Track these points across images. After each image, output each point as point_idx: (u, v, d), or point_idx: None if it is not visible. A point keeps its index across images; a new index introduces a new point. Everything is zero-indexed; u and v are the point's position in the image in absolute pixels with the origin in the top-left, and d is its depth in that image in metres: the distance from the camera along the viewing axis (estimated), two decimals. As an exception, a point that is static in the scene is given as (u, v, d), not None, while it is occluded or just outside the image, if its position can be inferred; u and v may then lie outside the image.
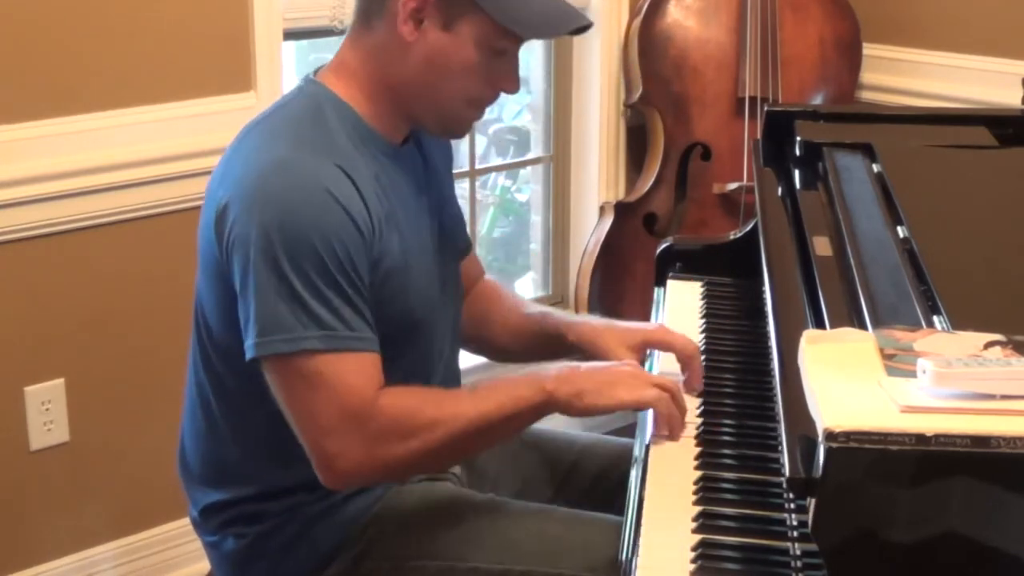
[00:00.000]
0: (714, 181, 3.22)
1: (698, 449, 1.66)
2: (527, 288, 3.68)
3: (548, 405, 1.67)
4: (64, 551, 2.64)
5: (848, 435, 1.12)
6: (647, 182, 3.25)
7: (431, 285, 1.79)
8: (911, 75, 3.28)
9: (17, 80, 2.40)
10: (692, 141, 3.21)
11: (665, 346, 1.88)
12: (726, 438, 1.71)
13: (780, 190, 2.02)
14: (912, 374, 1.19)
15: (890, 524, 1.15)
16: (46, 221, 2.47)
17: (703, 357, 1.95)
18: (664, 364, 1.93)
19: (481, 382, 1.73)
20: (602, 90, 3.33)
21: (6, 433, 2.52)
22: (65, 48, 2.45)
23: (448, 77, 1.69)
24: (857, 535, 1.16)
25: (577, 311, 3.38)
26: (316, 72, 1.77)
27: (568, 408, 1.66)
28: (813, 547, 1.23)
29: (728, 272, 2.21)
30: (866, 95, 3.36)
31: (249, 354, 1.61)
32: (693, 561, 1.41)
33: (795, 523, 1.46)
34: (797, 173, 2.02)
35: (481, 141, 3.65)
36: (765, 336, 1.70)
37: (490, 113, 1.83)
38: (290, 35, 2.82)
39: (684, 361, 1.85)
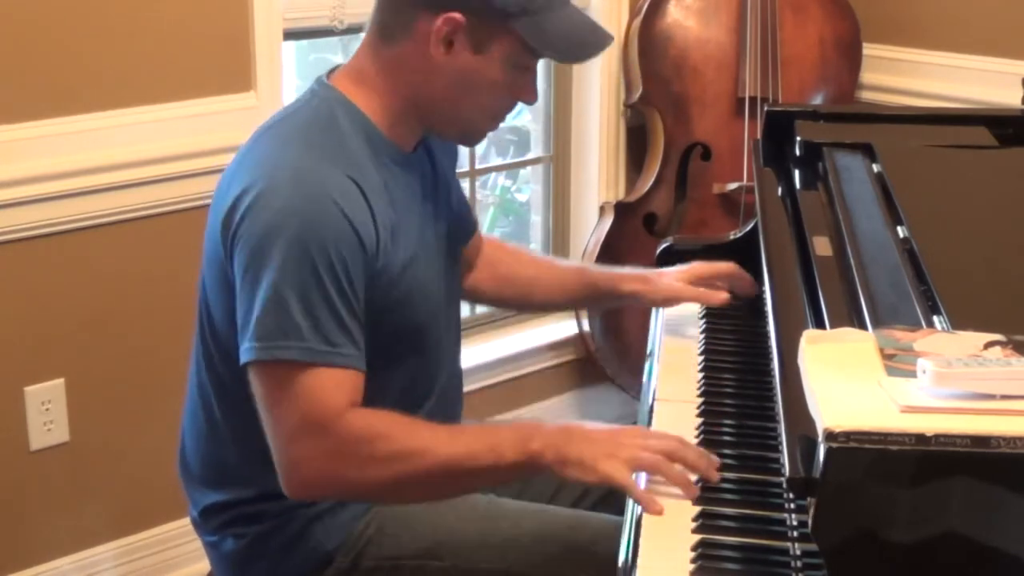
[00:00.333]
0: (714, 181, 3.22)
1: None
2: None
3: (529, 466, 1.59)
4: (64, 551, 2.64)
5: (848, 435, 1.12)
6: (647, 182, 3.25)
7: (436, 291, 1.79)
8: (911, 75, 3.28)
9: (17, 80, 2.40)
10: (692, 141, 3.21)
11: (711, 275, 2.05)
12: (726, 438, 1.71)
13: (780, 190, 2.02)
14: (912, 374, 1.20)
15: (890, 524, 1.15)
16: (46, 221, 2.47)
17: (702, 357, 1.96)
18: (667, 358, 1.93)
19: (470, 424, 1.71)
20: (602, 90, 3.33)
21: (6, 433, 2.52)
22: (65, 48, 2.45)
23: (475, 95, 1.70)
24: (857, 535, 1.16)
25: (577, 311, 3.39)
26: (329, 75, 1.76)
27: (553, 472, 1.59)
28: (813, 547, 1.23)
29: (728, 272, 2.21)
30: (866, 95, 3.36)
31: (243, 358, 1.61)
32: (693, 561, 1.42)
33: (795, 523, 1.46)
34: (797, 173, 2.02)
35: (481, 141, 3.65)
36: (765, 336, 1.70)
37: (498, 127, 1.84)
38: (290, 35, 2.82)
39: (732, 282, 2.03)
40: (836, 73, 3.28)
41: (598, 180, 3.39)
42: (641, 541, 1.46)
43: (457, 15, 1.63)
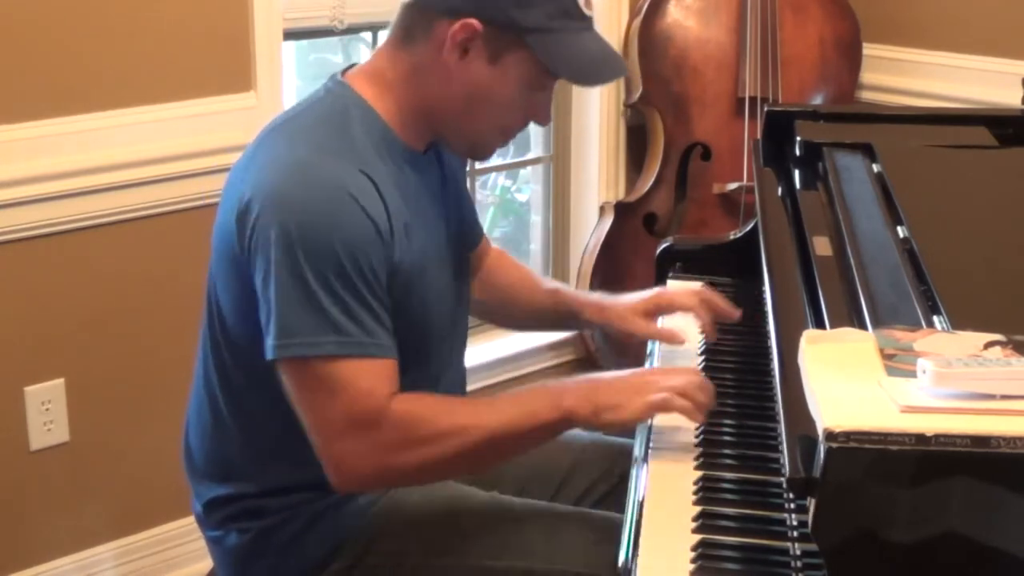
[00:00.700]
0: (714, 181, 3.22)
1: (698, 449, 1.66)
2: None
3: (565, 422, 1.67)
4: (64, 551, 2.64)
5: (848, 435, 1.12)
6: (647, 182, 3.25)
7: (446, 292, 1.79)
8: (911, 75, 3.28)
9: (17, 80, 2.40)
10: (692, 141, 3.21)
11: (671, 307, 2.00)
12: (726, 438, 1.71)
13: (780, 190, 2.02)
14: (912, 374, 1.20)
15: (890, 524, 1.15)
16: (46, 221, 2.47)
17: (702, 357, 1.96)
18: (667, 359, 1.93)
19: (500, 394, 1.73)
20: (602, 90, 3.33)
21: (6, 433, 2.52)
22: (65, 48, 2.45)
23: (486, 108, 1.70)
24: (857, 535, 1.16)
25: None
26: (344, 73, 1.77)
27: (590, 424, 1.67)
28: (813, 547, 1.23)
29: (728, 272, 2.21)
30: (866, 95, 3.36)
31: (268, 355, 1.61)
32: (693, 561, 1.42)
33: (795, 523, 1.46)
34: (797, 173, 2.02)
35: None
36: (765, 336, 1.70)
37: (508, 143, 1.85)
38: (290, 35, 2.82)
39: (700, 311, 1.96)
40: (836, 73, 3.29)
41: (598, 180, 3.39)
42: (641, 541, 1.46)
43: (475, 22, 1.63)
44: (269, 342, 1.61)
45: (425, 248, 1.72)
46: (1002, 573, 1.16)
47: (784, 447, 1.30)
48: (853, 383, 1.20)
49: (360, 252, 1.59)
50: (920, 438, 1.11)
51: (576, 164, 3.45)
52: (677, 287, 2.11)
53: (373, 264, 1.61)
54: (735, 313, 1.97)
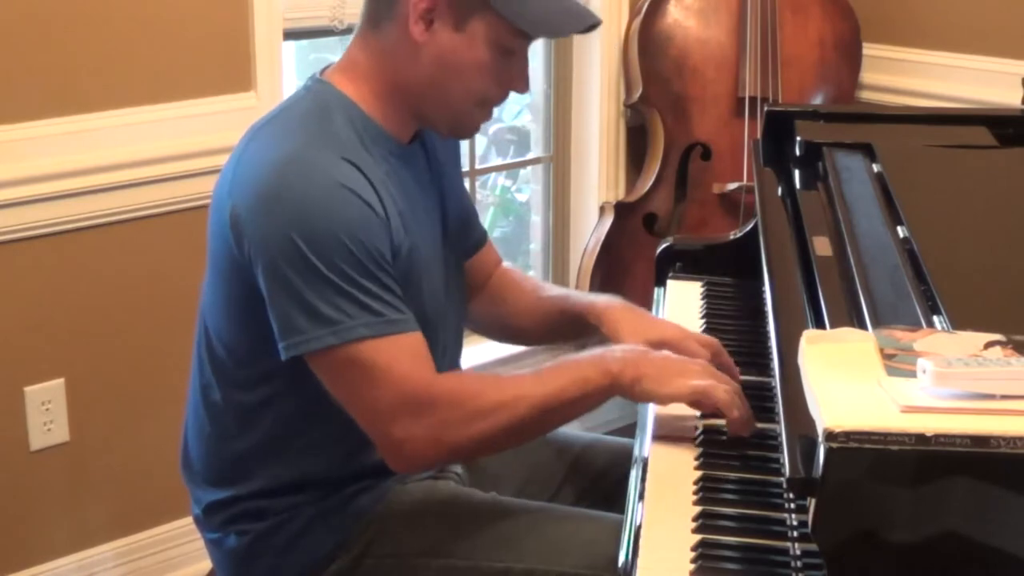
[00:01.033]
0: (714, 181, 3.22)
1: (698, 449, 1.66)
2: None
3: (613, 388, 1.67)
4: (64, 551, 2.64)
5: (848, 435, 1.12)
6: (647, 182, 3.25)
7: (438, 284, 1.79)
8: (911, 75, 3.28)
9: (17, 80, 2.40)
10: (692, 141, 3.21)
11: (678, 350, 1.80)
12: (726, 438, 1.71)
13: (780, 190, 2.02)
14: (912, 374, 1.19)
15: (890, 524, 1.15)
16: (46, 221, 2.47)
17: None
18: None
19: (545, 364, 1.73)
20: (602, 90, 3.33)
21: (6, 433, 2.52)
22: (65, 48, 2.45)
23: (459, 77, 1.69)
24: (857, 535, 1.16)
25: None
26: (323, 72, 1.77)
27: (628, 392, 1.67)
28: (813, 547, 1.23)
29: (728, 272, 2.21)
30: (866, 95, 3.36)
31: (292, 352, 1.60)
32: (693, 561, 1.42)
33: (795, 523, 1.46)
34: (797, 173, 2.02)
35: (481, 141, 3.65)
36: (765, 336, 1.70)
37: (491, 116, 1.83)
38: (290, 35, 2.82)
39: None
40: (836, 73, 3.29)
41: (598, 180, 3.39)
42: (641, 541, 1.46)
43: None
44: (292, 339, 1.60)
45: (415, 239, 1.72)
46: (1002, 573, 1.16)
47: (784, 447, 1.30)
48: (853, 383, 1.20)
49: (364, 235, 1.60)
50: (920, 438, 1.11)
51: (576, 164, 3.45)
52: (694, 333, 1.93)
53: (378, 245, 1.62)
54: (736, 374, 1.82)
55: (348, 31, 2.87)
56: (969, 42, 3.17)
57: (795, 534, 1.45)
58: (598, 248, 3.26)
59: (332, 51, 3.39)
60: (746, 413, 1.64)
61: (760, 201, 2.01)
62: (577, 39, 3.32)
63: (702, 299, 2.15)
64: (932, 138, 2.04)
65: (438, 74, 1.69)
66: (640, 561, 1.43)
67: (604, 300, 1.97)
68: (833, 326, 1.45)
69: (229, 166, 1.72)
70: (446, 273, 1.83)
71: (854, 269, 1.57)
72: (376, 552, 1.76)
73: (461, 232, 1.91)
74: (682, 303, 2.15)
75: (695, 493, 1.56)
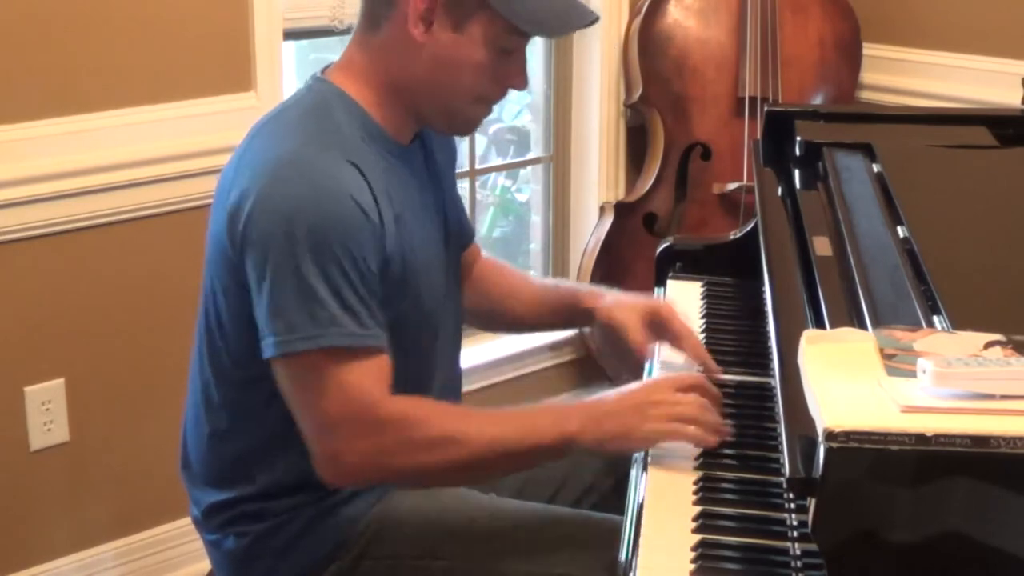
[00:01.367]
0: (714, 181, 3.22)
1: (698, 449, 1.66)
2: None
3: (569, 448, 1.65)
4: (64, 551, 2.64)
5: (848, 435, 1.12)
6: (647, 182, 3.25)
7: (437, 284, 1.79)
8: (911, 75, 3.28)
9: (17, 80, 2.40)
10: (692, 141, 3.21)
11: (664, 322, 1.91)
12: (726, 438, 1.71)
13: (780, 190, 2.02)
14: (912, 374, 1.19)
15: (890, 524, 1.15)
16: (46, 221, 2.47)
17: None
18: (667, 359, 1.93)
19: (506, 408, 1.72)
20: (602, 90, 3.33)
21: (6, 433, 2.52)
22: (65, 48, 2.45)
23: (458, 77, 1.69)
24: (857, 535, 1.16)
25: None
26: (323, 71, 1.77)
27: (594, 451, 1.66)
28: (813, 547, 1.23)
29: (728, 272, 2.21)
30: (866, 95, 3.36)
31: (267, 353, 1.61)
32: (693, 561, 1.41)
33: (795, 523, 1.46)
34: (797, 173, 2.02)
35: (481, 141, 3.65)
36: (765, 336, 1.70)
37: (490, 113, 1.83)
38: (290, 35, 2.82)
39: (683, 348, 1.89)
40: (836, 73, 3.29)
41: (598, 180, 3.39)
42: (641, 541, 1.46)
43: None
44: (268, 340, 1.60)
45: (414, 241, 1.72)
46: (1002, 573, 1.16)
47: (784, 447, 1.30)
48: (853, 383, 1.20)
49: (352, 242, 1.59)
50: (920, 438, 1.11)
51: (576, 164, 3.45)
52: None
53: (366, 254, 1.61)
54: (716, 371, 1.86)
55: (348, 31, 2.86)
56: (969, 42, 3.17)
57: (795, 534, 1.45)
58: (598, 248, 3.26)
59: (332, 51, 3.39)
60: (716, 431, 1.62)
61: (760, 201, 2.01)
62: (577, 38, 3.32)
63: (702, 299, 2.15)
64: (932, 138, 2.04)
65: (437, 74, 1.69)
66: (640, 561, 1.43)
67: (592, 288, 2.06)
68: (833, 326, 1.45)
69: (231, 165, 1.72)
70: (446, 273, 1.83)
71: (854, 269, 1.57)
72: (375, 554, 1.76)
73: (459, 231, 1.91)
74: (682, 303, 2.14)
75: (695, 493, 1.56)
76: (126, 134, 2.53)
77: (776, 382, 1.43)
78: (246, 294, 1.64)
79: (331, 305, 1.58)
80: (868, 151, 1.96)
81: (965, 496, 1.13)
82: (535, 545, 1.74)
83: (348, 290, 1.59)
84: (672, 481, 1.59)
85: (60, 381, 2.56)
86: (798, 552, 1.42)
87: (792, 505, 1.48)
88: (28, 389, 2.53)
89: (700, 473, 1.60)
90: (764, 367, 1.78)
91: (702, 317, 2.10)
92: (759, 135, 2.20)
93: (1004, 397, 1.15)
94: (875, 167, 1.90)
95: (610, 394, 1.69)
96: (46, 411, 2.56)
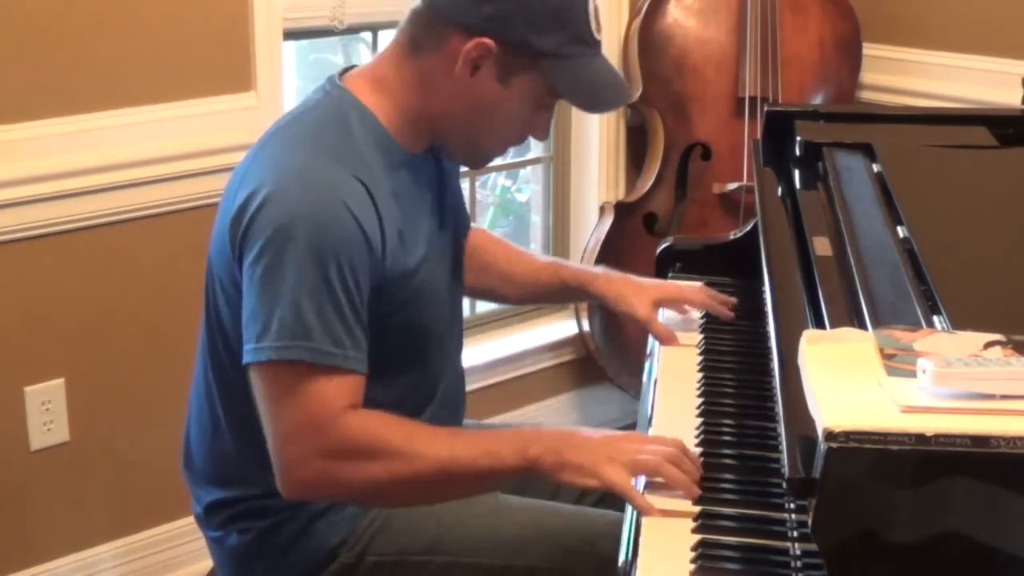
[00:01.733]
0: (714, 181, 3.22)
1: (698, 449, 1.66)
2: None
3: (527, 471, 1.60)
4: (64, 551, 2.64)
5: (848, 435, 1.12)
6: (647, 182, 3.25)
7: (443, 294, 1.79)
8: (911, 75, 3.28)
9: (17, 80, 2.40)
10: (692, 141, 3.21)
11: (680, 301, 2.07)
12: (726, 438, 1.71)
13: (780, 190, 2.02)
14: (912, 374, 1.20)
15: (890, 524, 1.15)
16: (46, 221, 2.47)
17: (702, 357, 1.96)
18: (667, 358, 1.93)
19: (470, 428, 1.71)
20: (602, 90, 3.33)
21: (6, 433, 2.52)
22: (65, 48, 2.45)
23: (491, 122, 1.71)
24: (857, 535, 1.16)
25: (577, 311, 3.39)
26: (342, 75, 1.76)
27: (548, 478, 1.60)
28: (813, 547, 1.23)
29: (728, 272, 2.21)
30: (866, 95, 3.36)
31: (246, 358, 1.61)
32: (693, 561, 1.41)
33: (795, 523, 1.46)
34: (797, 173, 2.02)
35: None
36: (765, 336, 1.70)
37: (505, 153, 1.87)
38: (290, 35, 2.82)
39: (705, 308, 2.04)
40: (836, 73, 3.28)
41: (598, 180, 3.39)
42: (641, 540, 1.46)
43: (490, 42, 1.64)
44: (246, 345, 1.60)
45: (420, 251, 1.72)
46: (1002, 573, 1.16)
47: (784, 447, 1.30)
48: (853, 383, 1.20)
49: (346, 262, 1.59)
50: (920, 438, 1.11)
51: (576, 164, 3.45)
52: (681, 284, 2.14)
53: (358, 275, 1.60)
54: (728, 312, 2.05)
55: (348, 31, 2.88)
56: (969, 42, 3.17)
57: (795, 534, 1.45)
58: (598, 248, 3.26)
59: (332, 51, 3.40)
60: (686, 488, 1.54)
61: (760, 201, 2.01)
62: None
63: (702, 299, 2.15)
64: (932, 138, 2.04)
65: (472, 115, 1.70)
66: (640, 561, 1.43)
67: (595, 268, 2.16)
68: (833, 326, 1.45)
69: (241, 166, 1.72)
70: (452, 280, 1.84)
71: (854, 269, 1.57)
72: (377, 550, 1.77)
73: (464, 225, 1.92)
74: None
75: (695, 493, 1.56)
76: (126, 134, 2.53)
77: (776, 382, 1.43)
78: (242, 296, 1.64)
79: (310, 320, 1.57)
80: (868, 151, 1.96)
81: (965, 496, 1.13)
82: (536, 542, 1.74)
83: (330, 307, 1.58)
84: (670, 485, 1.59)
85: (60, 381, 2.56)
86: (798, 552, 1.42)
87: (792, 505, 1.48)
88: (28, 389, 2.53)
89: (700, 473, 1.60)
90: (764, 367, 1.78)
91: (702, 317, 2.10)
92: (759, 135, 2.20)
93: (1004, 397, 1.15)
94: (875, 167, 1.90)
95: (584, 430, 1.65)
96: (46, 411, 2.56)
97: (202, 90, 2.62)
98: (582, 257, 3.34)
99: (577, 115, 3.41)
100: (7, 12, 2.37)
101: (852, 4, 3.29)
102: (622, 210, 3.26)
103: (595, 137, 3.37)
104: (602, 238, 3.26)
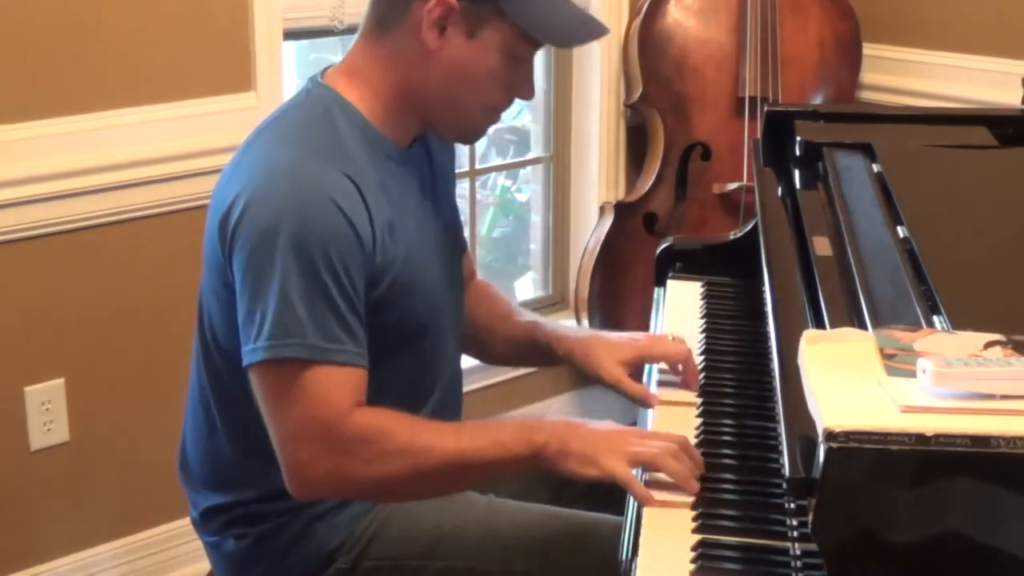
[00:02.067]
0: (714, 181, 3.22)
1: (698, 450, 1.66)
2: (527, 288, 3.68)
3: (534, 459, 1.61)
4: (64, 551, 2.64)
5: (848, 435, 1.12)
6: (647, 182, 3.25)
7: (437, 288, 1.79)
8: (911, 75, 3.28)
9: (17, 80, 2.40)
10: (692, 141, 3.21)
11: (658, 359, 1.89)
12: (726, 438, 1.71)
13: (780, 190, 2.02)
14: (912, 374, 1.19)
15: (890, 524, 1.15)
16: (46, 221, 2.47)
17: (702, 358, 1.96)
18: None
19: (473, 421, 1.71)
20: (602, 90, 3.33)
21: (6, 433, 2.52)
22: (65, 48, 2.45)
23: (469, 85, 1.69)
24: (857, 535, 1.16)
25: (577, 311, 3.39)
26: (323, 74, 1.77)
27: (551, 467, 1.61)
28: (813, 547, 1.23)
29: (728, 272, 2.21)
30: (866, 95, 3.36)
31: (245, 360, 1.61)
32: (693, 561, 1.41)
33: (795, 523, 1.46)
34: (797, 173, 2.02)
35: (481, 141, 3.63)
36: (765, 336, 1.70)
37: (497, 122, 1.83)
38: (290, 35, 2.82)
39: (678, 367, 1.86)
40: (836, 73, 3.28)
41: (598, 180, 3.39)
42: (641, 541, 1.46)
43: None
44: (246, 347, 1.60)
45: (411, 245, 1.71)
46: (1002, 573, 1.16)
47: (784, 447, 1.30)
48: (853, 383, 1.20)
49: (337, 258, 1.59)
50: (920, 438, 1.11)
51: (576, 164, 3.45)
52: (668, 340, 1.93)
53: (350, 270, 1.60)
54: (692, 386, 1.85)
55: (348, 31, 2.87)
56: (969, 42, 3.17)
57: (795, 534, 1.45)
58: (598, 248, 3.26)
59: (332, 51, 3.39)
60: (684, 480, 1.55)
61: (760, 201, 2.01)
62: (577, 39, 3.32)
63: (702, 299, 2.15)
64: (932, 138, 2.04)
65: (449, 81, 1.69)
66: (640, 561, 1.43)
67: (568, 329, 1.97)
68: (833, 326, 1.45)
69: (228, 168, 1.72)
70: (446, 275, 1.83)
71: (854, 269, 1.57)
72: (374, 555, 1.76)
73: (456, 235, 1.91)
74: (682, 303, 2.15)
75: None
76: (126, 134, 2.53)
77: (776, 382, 1.43)
78: (234, 298, 1.64)
79: (303, 317, 1.57)
80: (868, 151, 1.96)
81: (965, 496, 1.13)
82: (534, 546, 1.74)
83: (323, 303, 1.58)
84: (672, 481, 1.59)
85: (60, 381, 2.56)
86: (798, 552, 1.42)
87: (792, 505, 1.48)
88: (28, 389, 2.53)
89: (700, 473, 1.60)
90: (764, 367, 1.78)
91: (702, 317, 2.10)
92: (759, 135, 2.20)
93: (1004, 397, 1.15)
94: (875, 167, 1.90)
95: (587, 422, 1.66)
96: (46, 411, 2.56)
97: (202, 90, 2.62)
98: (582, 257, 3.34)
99: (577, 115, 3.41)
100: (7, 12, 2.37)
101: (852, 4, 3.29)
102: (622, 210, 3.26)
103: (595, 137, 3.37)
104: (602, 238, 3.26)
